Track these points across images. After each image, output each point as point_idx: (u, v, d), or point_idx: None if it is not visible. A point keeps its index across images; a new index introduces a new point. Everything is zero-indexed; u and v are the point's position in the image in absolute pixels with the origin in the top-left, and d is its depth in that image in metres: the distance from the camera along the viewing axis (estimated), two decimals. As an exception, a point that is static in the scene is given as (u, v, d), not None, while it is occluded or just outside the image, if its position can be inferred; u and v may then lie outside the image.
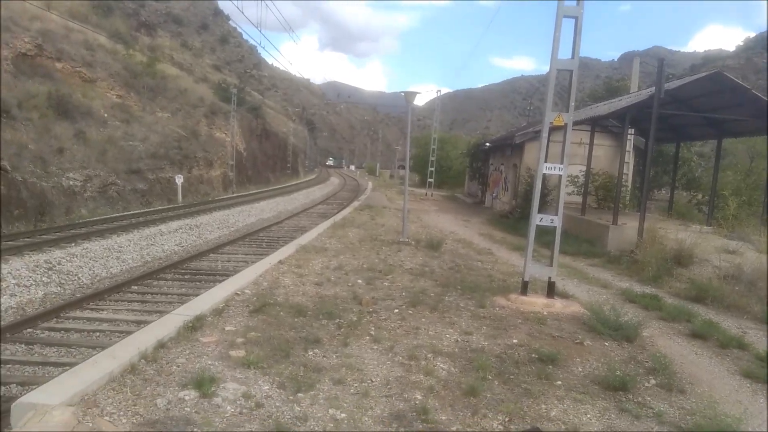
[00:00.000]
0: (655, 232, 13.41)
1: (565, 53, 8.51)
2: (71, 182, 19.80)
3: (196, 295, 8.47)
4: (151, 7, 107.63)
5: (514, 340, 6.73)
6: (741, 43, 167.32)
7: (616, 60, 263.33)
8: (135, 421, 4.13)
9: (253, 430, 4.17)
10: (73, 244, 13.70)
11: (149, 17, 78.19)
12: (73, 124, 23.75)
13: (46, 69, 26.63)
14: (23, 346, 7.29)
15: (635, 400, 5.25)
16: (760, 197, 17.20)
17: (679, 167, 23.32)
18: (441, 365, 5.76)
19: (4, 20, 24.98)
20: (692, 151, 31.25)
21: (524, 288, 8.85)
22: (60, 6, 34.10)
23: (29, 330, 7.84)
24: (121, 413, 4.21)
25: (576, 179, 21.15)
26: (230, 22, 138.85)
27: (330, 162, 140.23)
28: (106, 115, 27.84)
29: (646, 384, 5.68)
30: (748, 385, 6.10)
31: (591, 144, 18.75)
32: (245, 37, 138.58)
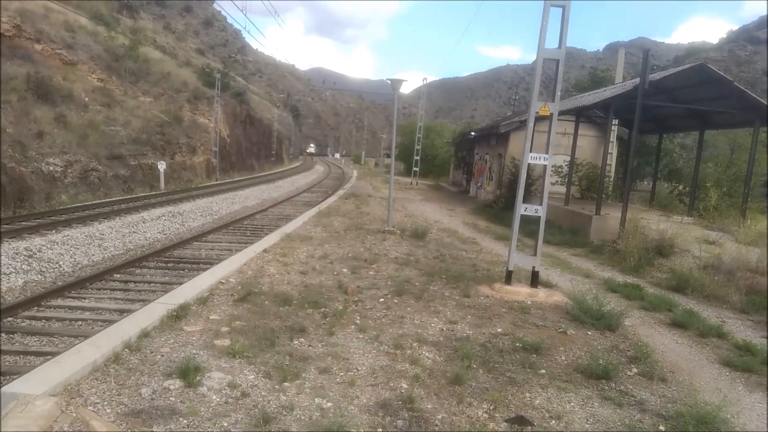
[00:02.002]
0: (637, 223, 13.55)
1: (551, 42, 8.53)
2: (51, 168, 19.45)
3: (180, 284, 8.42)
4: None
5: (499, 329, 6.80)
6: (724, 36, 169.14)
7: (601, 50, 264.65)
8: (119, 410, 4.10)
9: (239, 419, 4.16)
10: (53, 231, 13.50)
11: (131, -1, 76.48)
12: (53, 107, 23.30)
13: (25, 50, 26.02)
14: (3, 335, 7.17)
15: (618, 388, 5.34)
16: (741, 189, 17.42)
17: (661, 158, 23.58)
18: (426, 354, 5.79)
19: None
20: (674, 142, 31.62)
21: (508, 277, 8.92)
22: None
23: (10, 319, 7.71)
24: (105, 403, 4.18)
25: (560, 169, 21.31)
26: (214, 5, 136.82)
27: (311, 149, 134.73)
28: (87, 98, 27.33)
29: (628, 372, 5.78)
30: (727, 373, 6.23)
31: (575, 134, 18.86)
32: (229, 20, 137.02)
